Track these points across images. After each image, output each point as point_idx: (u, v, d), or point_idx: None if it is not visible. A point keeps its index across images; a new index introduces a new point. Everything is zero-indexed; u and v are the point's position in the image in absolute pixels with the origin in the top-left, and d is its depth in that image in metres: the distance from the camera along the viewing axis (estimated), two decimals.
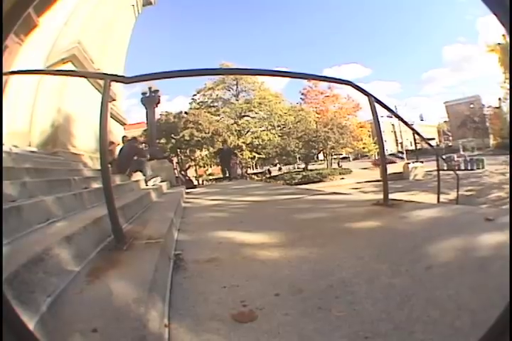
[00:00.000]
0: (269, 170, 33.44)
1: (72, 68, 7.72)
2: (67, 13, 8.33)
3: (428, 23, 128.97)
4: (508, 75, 31.37)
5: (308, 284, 1.42)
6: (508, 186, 11.05)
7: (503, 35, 30.17)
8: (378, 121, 2.96)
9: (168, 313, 1.17)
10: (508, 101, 33.66)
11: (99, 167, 5.98)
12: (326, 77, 3.32)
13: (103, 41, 10.12)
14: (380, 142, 3.08)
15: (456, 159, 23.93)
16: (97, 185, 3.39)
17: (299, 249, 1.97)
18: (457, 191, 6.72)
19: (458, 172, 17.97)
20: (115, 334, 0.83)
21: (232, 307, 1.23)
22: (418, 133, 4.91)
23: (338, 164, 32.93)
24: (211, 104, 31.89)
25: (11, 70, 3.89)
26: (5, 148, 4.20)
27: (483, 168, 21.30)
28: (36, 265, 1.00)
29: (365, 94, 2.92)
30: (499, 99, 37.67)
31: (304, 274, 1.54)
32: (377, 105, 2.96)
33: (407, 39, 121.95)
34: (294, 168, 33.25)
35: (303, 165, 30.35)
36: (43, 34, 7.60)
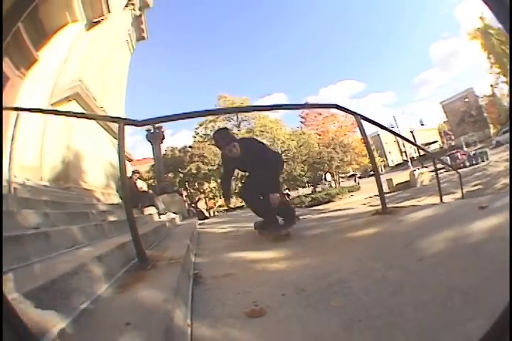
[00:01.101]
0: (287, 194, 33.16)
1: (77, 106, 8.04)
2: (66, 49, 8.68)
3: (409, 26, 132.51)
4: (493, 60, 31.65)
5: (310, 284, 1.60)
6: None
7: (481, 18, 30.55)
8: (366, 137, 3.20)
9: (190, 316, 1.36)
10: (505, 90, 33.75)
11: (111, 202, 6.23)
12: (313, 104, 3.62)
13: (103, 78, 10.50)
14: (371, 156, 3.32)
15: (460, 157, 23.89)
16: (113, 218, 3.61)
17: (303, 259, 2.15)
18: (461, 188, 6.89)
19: (464, 169, 17.85)
20: (146, 326, 0.99)
21: (245, 307, 1.41)
22: (411, 142, 5.13)
23: (355, 180, 32.54)
24: None
25: (21, 107, 4.00)
26: (18, 180, 4.37)
27: (487, 159, 21.24)
28: (72, 277, 1.17)
29: (352, 114, 3.15)
30: (491, 85, 37.41)
31: (307, 278, 1.72)
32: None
33: (393, 46, 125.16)
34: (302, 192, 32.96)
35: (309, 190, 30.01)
36: (44, 70, 7.91)
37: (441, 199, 5.49)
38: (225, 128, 4.17)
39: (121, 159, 1.99)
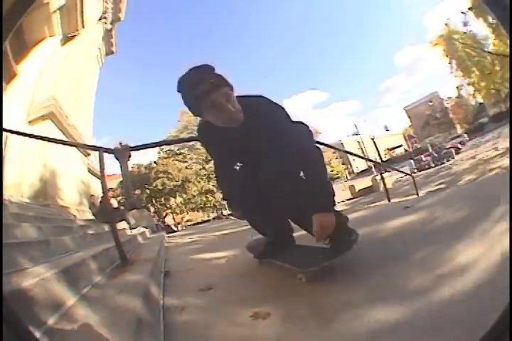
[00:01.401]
0: None
1: (51, 125, 8.39)
2: (42, 65, 8.99)
3: (376, 33, 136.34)
4: (455, 65, 32.11)
5: (247, 269, 2.26)
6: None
7: (446, 25, 31.16)
8: None
9: (162, 294, 1.95)
10: (471, 91, 34.75)
11: (86, 218, 6.63)
12: None
13: (74, 94, 10.76)
14: None
15: (424, 159, 24.82)
16: (91, 231, 4.11)
17: (248, 255, 2.77)
18: (416, 189, 7.58)
19: (430, 170, 18.05)
20: (132, 292, 1.52)
21: (200, 286, 2.02)
22: (351, 153, 5.88)
23: None
24: (178, 152, 32.54)
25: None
26: (5, 196, 4.60)
27: (453, 158, 22.32)
28: (77, 267, 1.67)
29: None
30: (457, 87, 37.93)
31: (247, 265, 2.37)
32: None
33: (357, 54, 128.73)
34: None
35: None
36: (21, 85, 8.22)
37: (389, 200, 6.34)
38: (206, 66, 1.63)
39: (104, 184, 2.54)
